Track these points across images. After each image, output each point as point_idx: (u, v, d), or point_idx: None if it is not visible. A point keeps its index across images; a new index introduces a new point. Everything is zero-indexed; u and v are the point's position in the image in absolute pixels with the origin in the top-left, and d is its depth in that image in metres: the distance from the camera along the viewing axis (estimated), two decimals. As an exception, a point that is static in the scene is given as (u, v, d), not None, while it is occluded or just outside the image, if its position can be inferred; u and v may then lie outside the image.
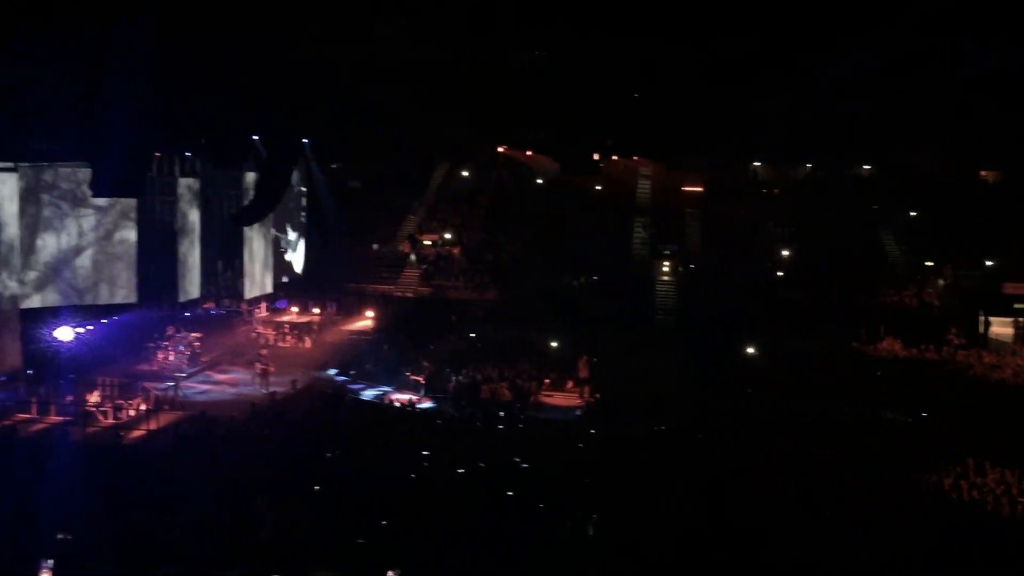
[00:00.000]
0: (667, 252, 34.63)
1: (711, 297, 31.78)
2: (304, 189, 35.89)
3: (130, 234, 26.91)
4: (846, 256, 33.88)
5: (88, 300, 26.14)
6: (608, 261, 34.72)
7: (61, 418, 20.62)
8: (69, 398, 21.53)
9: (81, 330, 24.83)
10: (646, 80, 26.20)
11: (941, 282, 33.58)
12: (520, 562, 13.02)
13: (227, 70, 21.21)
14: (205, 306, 32.27)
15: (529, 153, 39.79)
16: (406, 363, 26.09)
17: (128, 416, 21.36)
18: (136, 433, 20.31)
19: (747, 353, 27.63)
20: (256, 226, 32.67)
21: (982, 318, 30.63)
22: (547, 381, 25.99)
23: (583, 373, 26.10)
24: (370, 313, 33.22)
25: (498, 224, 37.70)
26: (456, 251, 36.98)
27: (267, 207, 31.36)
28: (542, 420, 22.80)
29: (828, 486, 16.80)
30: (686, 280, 34.02)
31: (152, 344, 26.67)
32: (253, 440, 18.96)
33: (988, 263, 33.17)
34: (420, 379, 25.05)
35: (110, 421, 21.02)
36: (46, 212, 24.94)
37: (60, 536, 12.86)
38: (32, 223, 24.51)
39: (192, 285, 30.11)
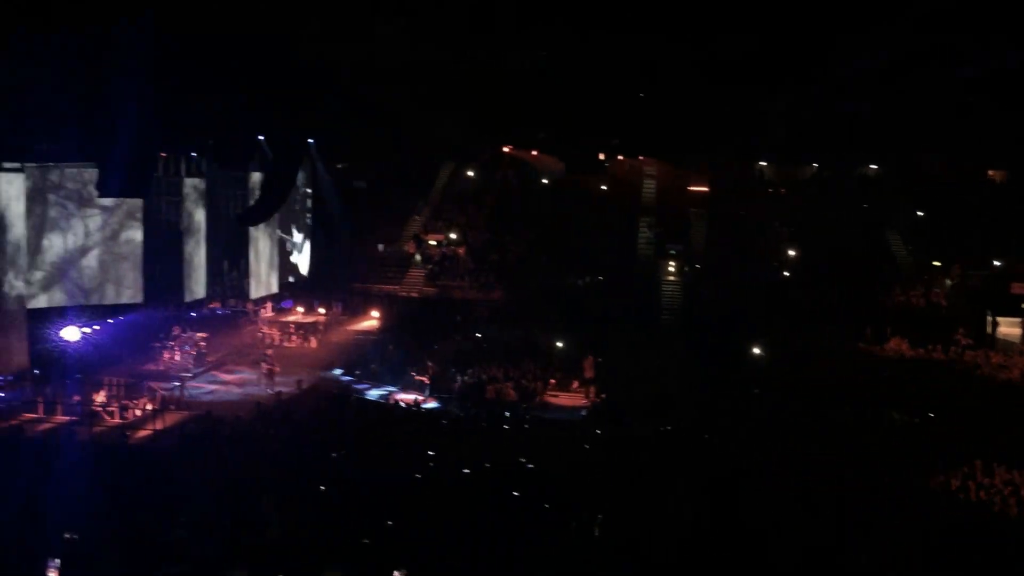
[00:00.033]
0: (672, 252, 34.58)
1: (717, 297, 31.71)
2: (309, 190, 35.94)
3: (136, 234, 26.99)
4: (853, 256, 33.76)
5: (94, 300, 26.23)
6: (613, 261, 34.67)
7: (67, 418, 20.68)
8: (75, 398, 21.58)
9: (87, 330, 24.90)
10: (651, 80, 26.17)
11: (948, 282, 33.45)
12: (525, 562, 12.99)
13: (232, 71, 21.23)
14: (211, 306, 32.34)
15: (534, 153, 39.76)
16: (411, 363, 26.09)
17: (134, 416, 21.39)
18: (142, 433, 20.34)
19: (753, 353, 27.55)
20: (262, 226, 32.74)
21: (989, 318, 30.50)
22: (552, 381, 25.96)
23: (588, 373, 26.07)
24: (375, 313, 33.24)
25: (503, 224, 37.69)
26: (461, 251, 36.97)
27: (273, 207, 31.42)
28: (548, 420, 22.77)
29: (835, 487, 16.73)
30: (691, 280, 33.95)
31: (158, 344, 26.72)
32: (259, 440, 18.97)
33: (995, 263, 33.03)
34: (425, 379, 25.05)
35: (116, 421, 21.06)
36: (52, 212, 25.02)
37: (67, 535, 12.89)
38: (39, 223, 24.59)
39: (198, 285, 30.19)
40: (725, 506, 15.27)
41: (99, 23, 17.18)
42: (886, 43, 20.34)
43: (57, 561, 12.26)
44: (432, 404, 23.90)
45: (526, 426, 21.66)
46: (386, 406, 23.39)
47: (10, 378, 22.75)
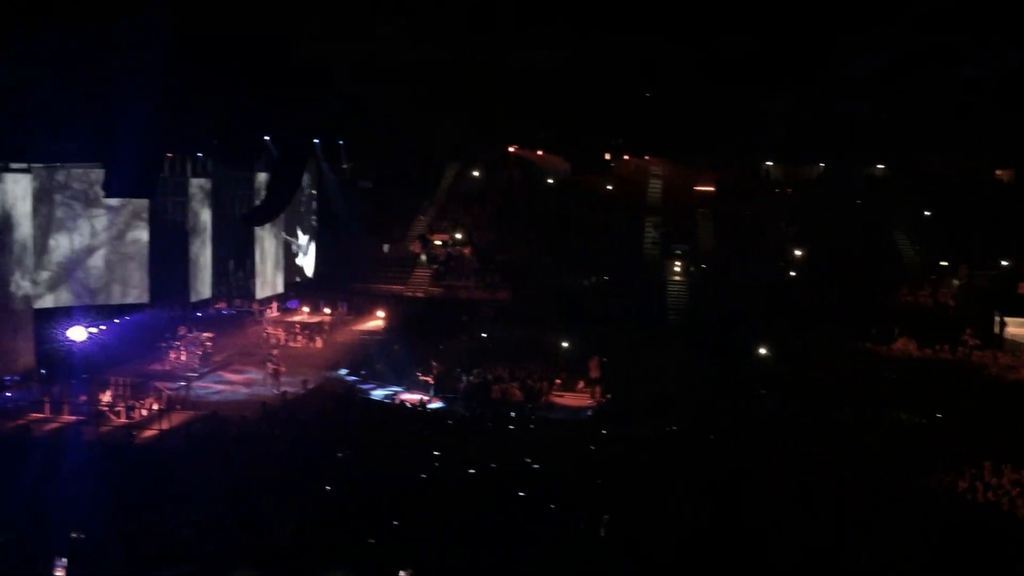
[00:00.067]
0: (678, 252, 34.50)
1: (723, 297, 31.62)
2: (314, 192, 35.98)
3: (142, 234, 27.03)
4: (859, 256, 33.65)
5: (100, 300, 26.28)
6: (619, 261, 34.62)
7: (74, 418, 20.70)
8: (82, 398, 21.61)
9: (94, 330, 24.95)
10: (656, 79, 26.11)
11: (956, 282, 33.32)
12: (531, 563, 12.96)
13: (238, 71, 21.25)
14: (217, 306, 32.39)
15: (540, 153, 39.75)
16: (417, 363, 26.08)
17: (140, 416, 21.42)
18: (148, 433, 20.36)
19: (759, 353, 27.47)
20: (267, 226, 32.76)
21: (997, 318, 30.36)
22: (558, 381, 25.92)
23: (594, 373, 26.01)
24: (381, 313, 33.24)
25: (509, 224, 37.67)
26: (467, 251, 36.96)
27: (278, 207, 31.45)
28: (553, 420, 22.73)
29: (841, 488, 16.67)
30: (697, 280, 33.87)
31: (164, 344, 26.75)
32: (264, 440, 18.98)
33: (1003, 263, 32.90)
34: (429, 379, 25.03)
35: (123, 421, 21.08)
36: (59, 212, 25.08)
37: (74, 535, 12.91)
38: (45, 223, 24.64)
39: (204, 285, 30.22)
40: (731, 507, 15.23)
41: (105, 23, 17.21)
42: (889, 43, 20.27)
43: (64, 560, 12.29)
44: (437, 404, 23.88)
45: (532, 426, 21.63)
46: (392, 406, 23.37)
47: (17, 378, 22.80)
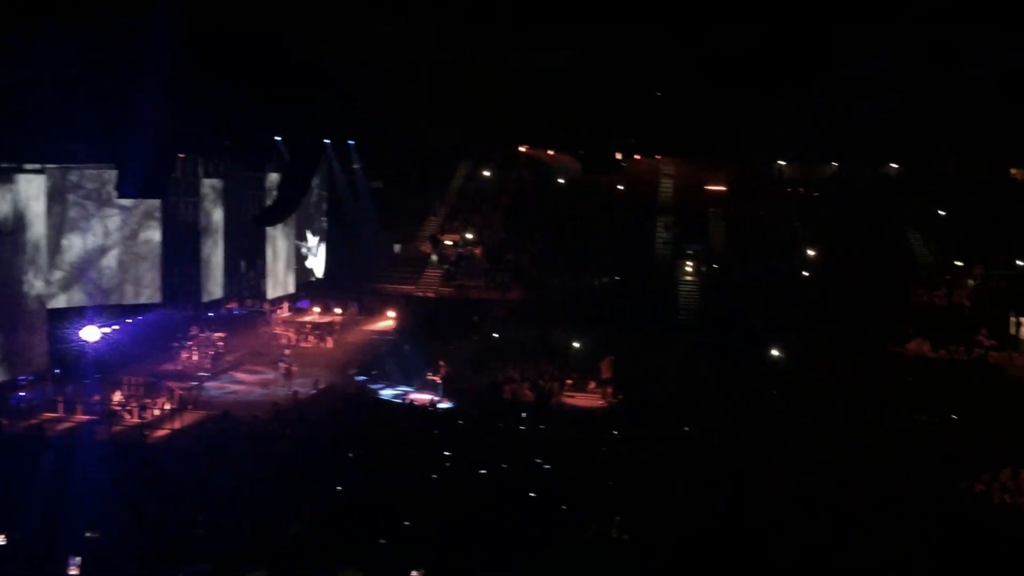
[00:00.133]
0: (690, 252, 34.34)
1: (735, 297, 31.45)
2: (324, 193, 36.04)
3: (155, 234, 27.14)
4: (873, 256, 33.40)
5: (113, 300, 26.37)
6: (630, 261, 34.49)
7: (87, 417, 20.81)
8: (95, 397, 21.71)
9: (107, 330, 25.03)
10: (667, 79, 26.04)
11: (971, 282, 33.03)
12: (542, 563, 12.92)
13: (249, 71, 21.30)
14: (228, 306, 32.46)
15: (550, 153, 39.66)
16: (427, 363, 26.07)
17: (153, 416, 21.51)
18: (160, 432, 20.44)
19: (772, 354, 27.32)
20: (279, 226, 32.83)
21: (1013, 319, 30.08)
22: (569, 382, 25.85)
23: (605, 374, 25.93)
24: (392, 313, 33.25)
25: (520, 224, 37.60)
26: (478, 251, 36.92)
27: (290, 208, 31.50)
28: (564, 421, 22.64)
29: (855, 489, 16.54)
30: (709, 280, 33.71)
31: (176, 344, 26.86)
32: (276, 440, 19.02)
33: (1019, 263, 32.58)
34: (437, 379, 25.00)
35: (135, 420, 21.17)
36: (72, 212, 25.19)
37: (88, 534, 12.96)
38: (58, 223, 24.76)
39: (215, 285, 30.30)
40: (744, 509, 15.15)
41: (118, 23, 17.27)
42: (903, 40, 20.13)
43: (77, 559, 12.33)
44: (447, 404, 23.85)
45: (542, 427, 21.57)
46: (402, 406, 23.36)
47: (31, 378, 22.93)
